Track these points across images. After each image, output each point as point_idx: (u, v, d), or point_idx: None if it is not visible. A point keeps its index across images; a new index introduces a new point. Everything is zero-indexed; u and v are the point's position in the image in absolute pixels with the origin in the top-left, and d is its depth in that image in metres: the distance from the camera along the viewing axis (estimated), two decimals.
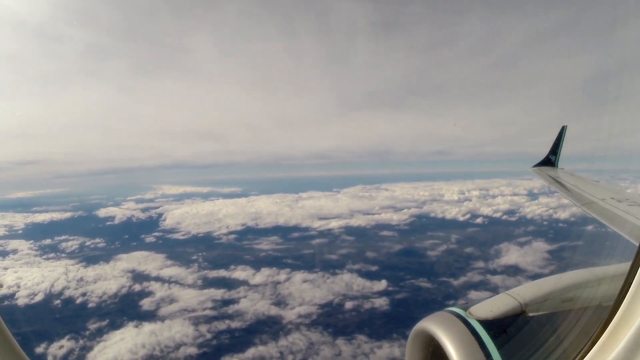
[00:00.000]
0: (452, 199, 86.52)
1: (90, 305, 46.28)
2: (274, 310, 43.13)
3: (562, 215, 60.97)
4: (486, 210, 72.05)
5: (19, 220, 79.23)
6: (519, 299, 2.09)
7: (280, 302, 44.76)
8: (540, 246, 52.63)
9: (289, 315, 41.79)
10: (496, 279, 46.41)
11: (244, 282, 50.58)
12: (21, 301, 46.81)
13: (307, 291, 46.94)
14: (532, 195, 74.82)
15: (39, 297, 47.52)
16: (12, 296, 47.93)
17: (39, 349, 37.66)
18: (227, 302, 45.33)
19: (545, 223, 62.26)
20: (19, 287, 49.45)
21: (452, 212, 73.44)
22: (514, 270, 48.04)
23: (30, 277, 51.34)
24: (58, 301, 47.10)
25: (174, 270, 54.80)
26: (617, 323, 1.48)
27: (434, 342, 1.99)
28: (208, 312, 43.35)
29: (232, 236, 69.88)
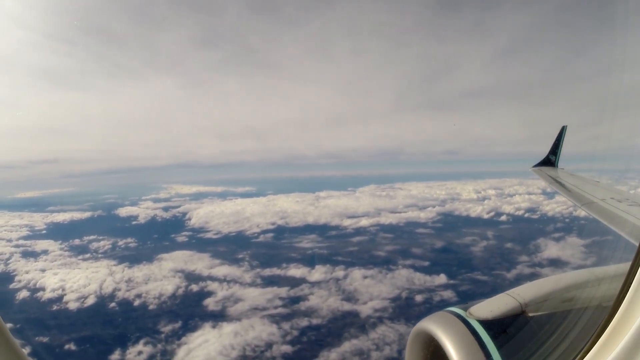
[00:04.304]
0: (470, 198, 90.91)
1: (151, 307, 44.32)
2: (347, 306, 43.56)
3: (582, 212, 66.16)
4: (508, 209, 76.50)
5: (38, 220, 74.30)
6: (519, 299, 2.10)
7: (350, 298, 45.24)
8: (575, 241, 56.80)
9: (365, 309, 42.41)
10: (546, 271, 49.71)
11: (303, 280, 50.49)
12: (72, 305, 43.99)
13: (371, 286, 47.73)
14: (547, 194, 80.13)
15: (90, 300, 44.86)
16: (59, 300, 44.80)
17: (114, 356, 35.76)
18: (295, 300, 45.15)
19: (567, 220, 67.33)
20: (64, 290, 46.31)
21: (477, 210, 77.36)
22: (559, 263, 51.58)
23: (74, 279, 48.35)
24: (113, 304, 44.66)
25: (225, 269, 53.58)
26: (617, 323, 1.48)
27: (434, 342, 2.00)
28: (281, 310, 42.99)
29: (269, 235, 69.17)
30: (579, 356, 1.65)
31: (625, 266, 1.58)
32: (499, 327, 1.99)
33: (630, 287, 1.48)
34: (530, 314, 2.07)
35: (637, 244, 1.62)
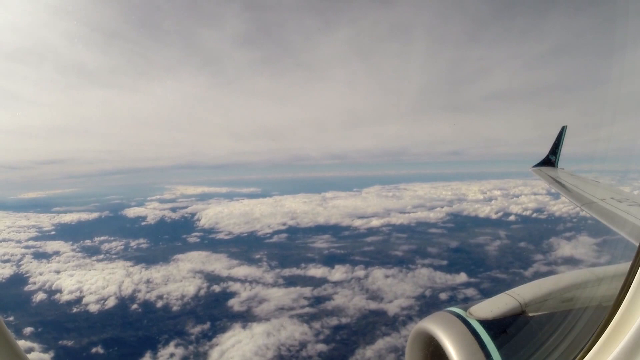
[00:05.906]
0: (477, 198, 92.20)
1: (175, 308, 43.47)
2: (373, 305, 43.59)
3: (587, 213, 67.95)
4: (516, 209, 77.86)
5: (45, 220, 72.11)
6: (519, 299, 2.10)
7: (375, 297, 45.28)
8: (586, 240, 58.14)
9: (392, 308, 42.52)
10: (562, 269, 50.80)
11: (325, 280, 50.35)
12: (93, 307, 42.80)
13: (394, 285, 47.88)
14: (553, 195, 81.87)
15: (111, 302, 43.69)
16: (78, 302, 43.47)
17: (145, 359, 34.91)
18: (321, 299, 44.97)
19: (574, 220, 68.97)
20: (81, 291, 44.98)
21: (485, 211, 78.54)
22: (574, 261, 52.67)
23: (91, 280, 47.04)
24: (135, 305, 43.59)
25: (244, 270, 53.01)
26: (617, 323, 1.49)
27: (434, 342, 2.00)
28: (309, 310, 42.75)
29: (283, 235, 68.71)
30: (579, 356, 1.65)
31: (625, 266, 1.58)
32: (499, 327, 1.99)
33: (630, 287, 1.48)
34: (530, 314, 2.07)
35: (637, 244, 1.64)
